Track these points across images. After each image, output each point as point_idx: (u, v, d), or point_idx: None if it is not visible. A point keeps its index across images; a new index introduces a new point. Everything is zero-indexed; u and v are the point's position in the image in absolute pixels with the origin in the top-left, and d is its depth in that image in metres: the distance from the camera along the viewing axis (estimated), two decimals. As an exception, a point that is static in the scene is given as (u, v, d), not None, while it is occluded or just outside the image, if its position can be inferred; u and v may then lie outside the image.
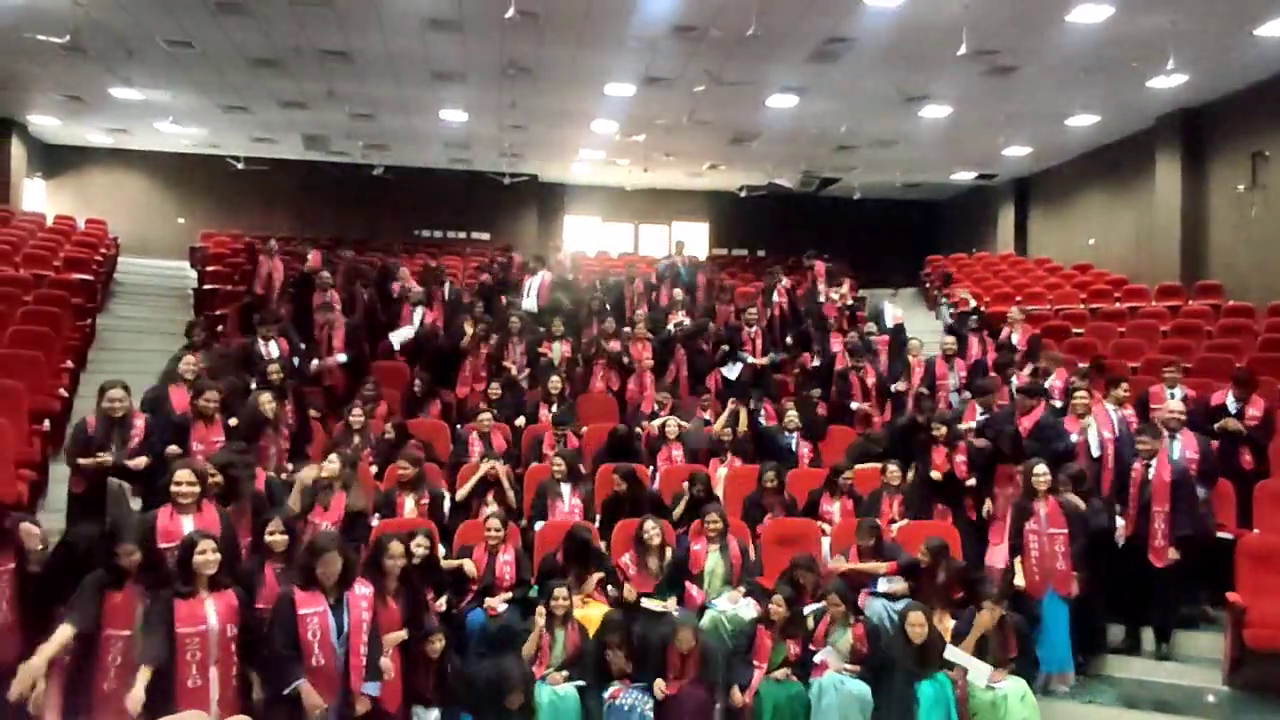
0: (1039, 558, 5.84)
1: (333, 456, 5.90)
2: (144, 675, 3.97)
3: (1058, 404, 7.28)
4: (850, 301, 11.29)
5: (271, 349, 7.90)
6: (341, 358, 8.74)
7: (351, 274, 10.26)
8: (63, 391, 8.50)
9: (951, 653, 5.23)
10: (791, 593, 5.45)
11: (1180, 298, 12.06)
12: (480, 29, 10.22)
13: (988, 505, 6.70)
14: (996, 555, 6.27)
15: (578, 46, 10.65)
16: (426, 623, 5.00)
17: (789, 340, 10.06)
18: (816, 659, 5.26)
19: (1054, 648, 5.69)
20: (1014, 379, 7.93)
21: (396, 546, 4.85)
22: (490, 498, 6.48)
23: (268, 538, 4.79)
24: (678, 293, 10.22)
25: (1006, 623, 5.37)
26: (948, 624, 5.50)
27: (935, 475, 6.90)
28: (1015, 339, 9.30)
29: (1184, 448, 6.50)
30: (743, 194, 18.92)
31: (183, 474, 4.76)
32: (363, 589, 4.42)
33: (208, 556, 4.15)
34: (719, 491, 7.08)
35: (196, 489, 4.75)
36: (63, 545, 4.70)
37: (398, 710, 4.70)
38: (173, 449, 5.79)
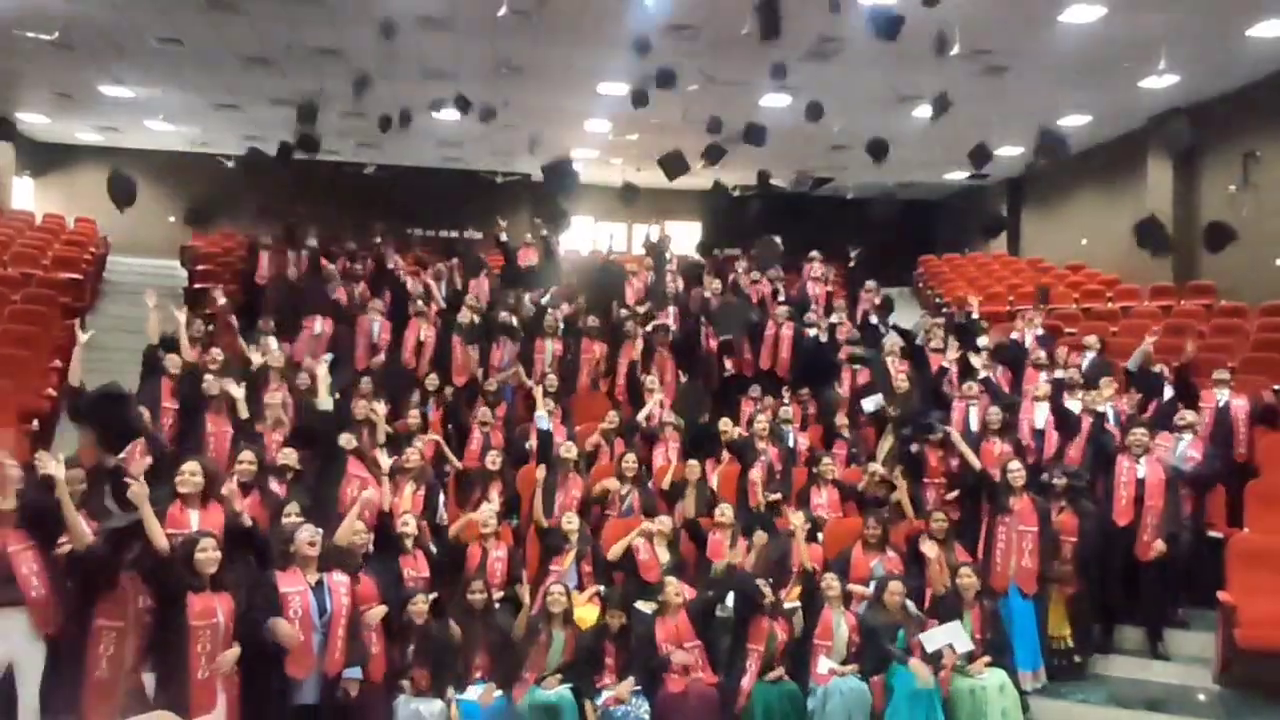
0: (1004, 552, 5.86)
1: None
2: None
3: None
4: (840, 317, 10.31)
5: (271, 344, 7.84)
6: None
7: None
8: (51, 391, 8.43)
9: (927, 638, 5.20)
10: (774, 580, 5.55)
11: (1172, 298, 12.07)
12: (472, 28, 10.18)
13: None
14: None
15: (571, 45, 10.63)
16: (404, 590, 5.13)
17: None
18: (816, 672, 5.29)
19: (1022, 645, 5.68)
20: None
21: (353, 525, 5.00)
22: (493, 493, 6.49)
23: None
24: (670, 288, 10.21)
25: (984, 608, 5.43)
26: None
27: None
28: (1029, 340, 9.18)
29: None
30: (736, 193, 18.88)
31: (189, 465, 4.84)
32: (341, 575, 4.55)
33: (209, 555, 4.21)
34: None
35: (200, 482, 4.78)
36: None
37: (381, 682, 4.81)
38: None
